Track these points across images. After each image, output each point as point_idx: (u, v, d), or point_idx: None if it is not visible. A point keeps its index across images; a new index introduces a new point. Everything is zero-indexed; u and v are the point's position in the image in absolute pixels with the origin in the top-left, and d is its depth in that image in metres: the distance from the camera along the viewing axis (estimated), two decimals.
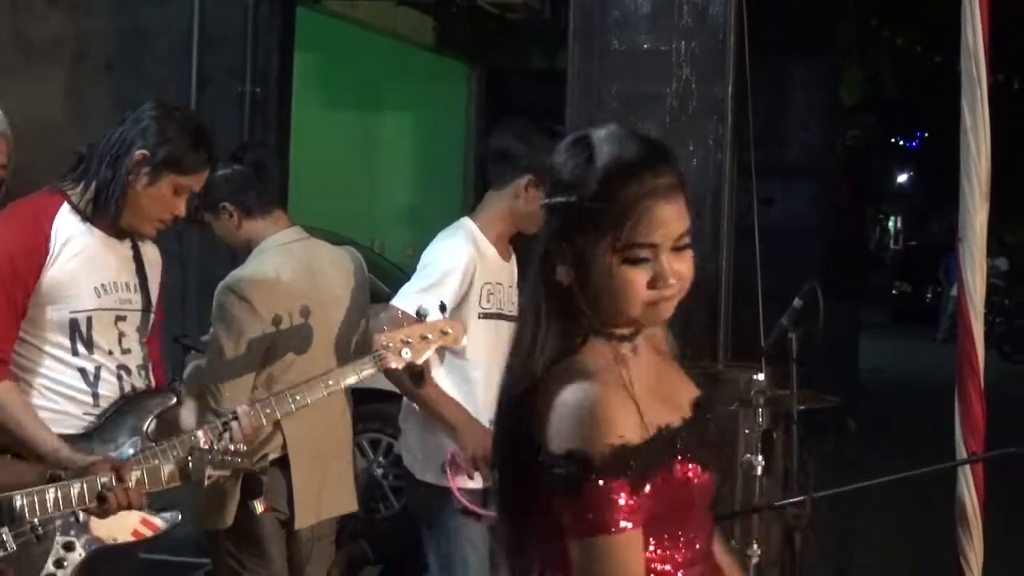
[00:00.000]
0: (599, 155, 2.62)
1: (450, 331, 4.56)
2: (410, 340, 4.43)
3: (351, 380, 4.52)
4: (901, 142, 36.46)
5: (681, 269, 2.63)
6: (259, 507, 4.98)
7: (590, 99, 5.35)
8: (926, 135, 34.21)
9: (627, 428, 2.53)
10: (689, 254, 2.65)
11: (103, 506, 3.79)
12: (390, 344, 4.42)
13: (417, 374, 4.50)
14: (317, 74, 13.67)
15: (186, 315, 8.68)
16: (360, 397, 5.73)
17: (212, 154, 4.41)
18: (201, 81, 10.28)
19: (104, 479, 3.77)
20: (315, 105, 13.34)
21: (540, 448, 2.58)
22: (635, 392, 2.59)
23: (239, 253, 5.22)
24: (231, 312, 4.94)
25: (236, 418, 4.31)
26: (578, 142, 2.66)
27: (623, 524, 2.51)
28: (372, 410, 8.02)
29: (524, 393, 2.65)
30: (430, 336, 4.47)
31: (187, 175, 4.33)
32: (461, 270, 5.16)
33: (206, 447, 4.18)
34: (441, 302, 4.57)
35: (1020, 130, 24.44)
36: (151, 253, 4.57)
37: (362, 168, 15.04)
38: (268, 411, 4.41)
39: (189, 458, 3.97)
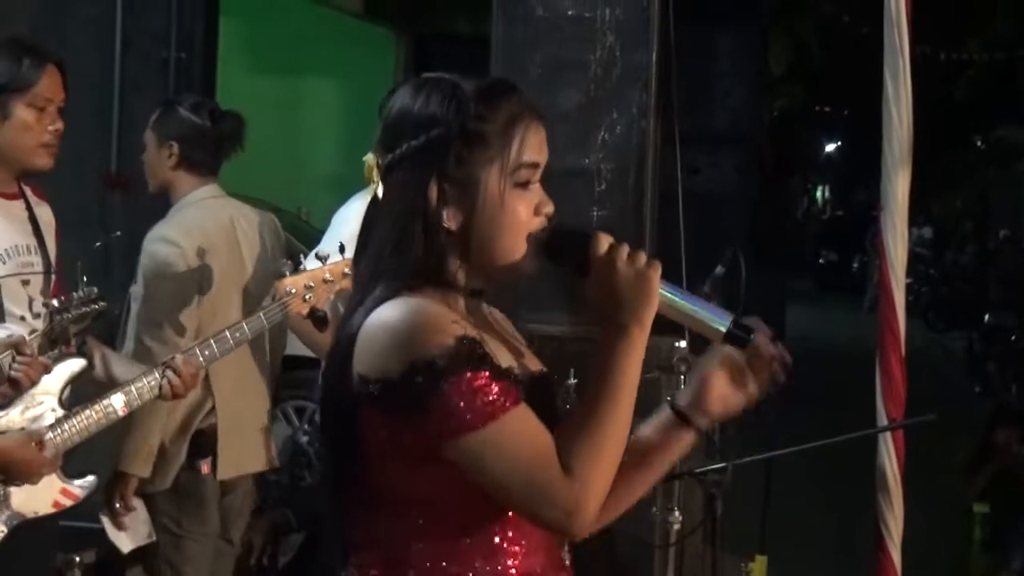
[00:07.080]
0: (461, 86, 2.41)
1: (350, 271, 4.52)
2: (312, 284, 4.38)
3: (260, 327, 4.46)
4: (828, 111, 36.59)
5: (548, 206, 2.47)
6: (204, 467, 4.98)
7: (514, 66, 5.32)
8: (853, 105, 34.38)
9: (455, 324, 2.33)
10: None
11: (16, 388, 3.87)
12: (293, 289, 4.37)
13: (320, 318, 4.44)
14: (243, 39, 13.58)
15: (112, 279, 8.60)
16: (286, 364, 5.72)
17: (45, 53, 4.27)
18: (125, 46, 10.13)
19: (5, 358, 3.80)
20: (240, 71, 13.26)
21: (362, 379, 2.33)
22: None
23: (153, 189, 5.19)
24: (164, 259, 4.92)
25: (172, 365, 4.22)
26: (423, 84, 2.44)
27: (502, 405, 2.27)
28: (298, 377, 7.98)
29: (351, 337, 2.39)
30: (331, 278, 4.41)
31: (29, 89, 4.19)
32: None
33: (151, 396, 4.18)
34: (340, 243, 4.39)
35: (946, 101, 24.65)
36: (45, 215, 4.42)
37: (288, 135, 14.97)
38: (208, 353, 4.32)
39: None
